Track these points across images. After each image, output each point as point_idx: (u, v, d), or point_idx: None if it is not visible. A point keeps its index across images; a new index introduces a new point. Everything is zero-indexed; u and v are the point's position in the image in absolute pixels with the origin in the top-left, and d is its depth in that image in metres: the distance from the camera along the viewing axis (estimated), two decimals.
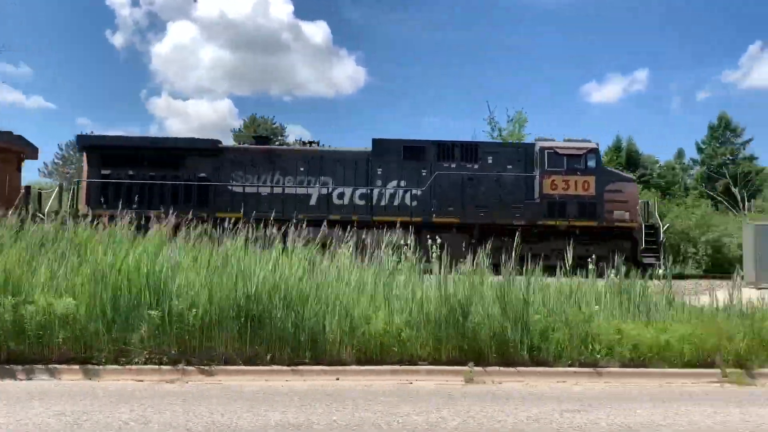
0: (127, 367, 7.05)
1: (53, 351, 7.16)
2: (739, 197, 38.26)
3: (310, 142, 20.05)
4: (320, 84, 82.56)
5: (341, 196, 18.58)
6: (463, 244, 17.98)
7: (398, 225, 11.93)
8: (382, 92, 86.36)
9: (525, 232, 18.29)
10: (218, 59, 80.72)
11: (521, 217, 18.39)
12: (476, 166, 18.80)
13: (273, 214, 17.17)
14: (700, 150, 47.17)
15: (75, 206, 17.44)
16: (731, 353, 7.84)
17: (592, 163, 18.71)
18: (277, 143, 30.93)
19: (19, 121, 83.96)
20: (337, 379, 7.13)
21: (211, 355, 7.28)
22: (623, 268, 9.53)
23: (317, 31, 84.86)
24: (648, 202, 20.31)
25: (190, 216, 10.26)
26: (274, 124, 51.66)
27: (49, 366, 7.03)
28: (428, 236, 9.87)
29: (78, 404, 5.75)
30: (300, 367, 7.29)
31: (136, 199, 17.39)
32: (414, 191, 18.52)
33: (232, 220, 10.29)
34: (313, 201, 18.50)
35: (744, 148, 45.79)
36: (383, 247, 9.45)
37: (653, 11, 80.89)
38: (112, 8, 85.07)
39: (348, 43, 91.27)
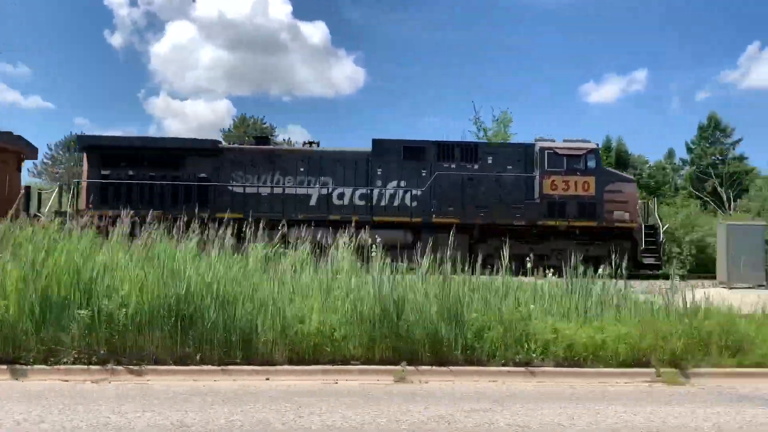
0: (56, 367, 7.04)
1: None
2: (725, 197, 38.34)
3: (311, 143, 19.99)
4: (319, 84, 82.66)
5: (341, 196, 18.58)
6: (464, 245, 18.13)
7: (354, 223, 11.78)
8: (381, 92, 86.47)
9: (525, 233, 18.41)
10: (217, 59, 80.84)
11: (521, 218, 18.40)
12: (476, 167, 18.81)
13: (272, 214, 17.44)
14: (689, 150, 47.17)
15: (75, 206, 17.43)
16: (667, 353, 7.83)
17: (592, 164, 18.72)
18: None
19: (17, 121, 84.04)
20: (267, 379, 7.13)
21: (142, 354, 7.27)
22: (590, 268, 9.57)
23: (316, 32, 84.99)
24: (648, 203, 20.31)
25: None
26: (265, 124, 51.60)
27: None
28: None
29: None
30: (230, 367, 7.30)
31: (136, 199, 17.50)
32: (414, 191, 18.53)
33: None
34: (313, 201, 18.50)
35: (734, 148, 45.77)
36: (339, 246, 9.36)
37: (653, 11, 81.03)
38: (110, 8, 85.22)
39: (347, 43, 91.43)
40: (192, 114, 79.50)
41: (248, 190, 18.36)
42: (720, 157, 44.79)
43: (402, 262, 9.46)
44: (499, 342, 7.75)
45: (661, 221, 19.50)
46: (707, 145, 45.62)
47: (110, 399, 6.12)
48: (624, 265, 9.73)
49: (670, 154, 49.47)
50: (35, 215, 15.45)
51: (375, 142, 18.99)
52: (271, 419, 5.50)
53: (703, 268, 21.68)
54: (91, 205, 16.79)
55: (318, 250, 9.72)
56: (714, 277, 16.23)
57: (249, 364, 7.40)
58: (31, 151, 20.81)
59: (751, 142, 71.43)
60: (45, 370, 7.03)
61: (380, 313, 7.75)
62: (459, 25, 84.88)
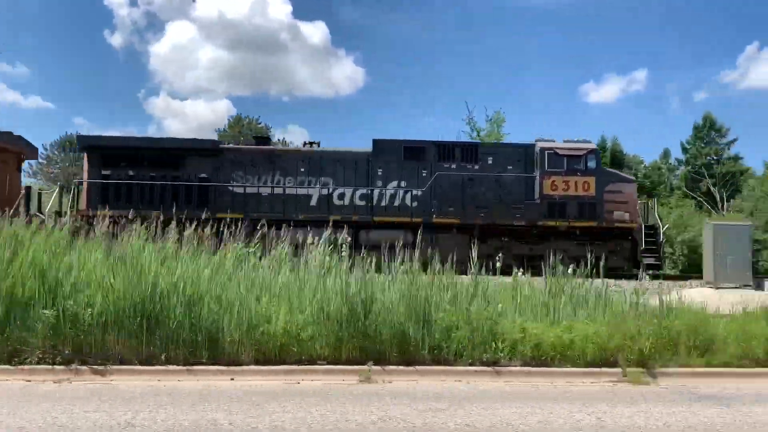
0: (20, 367, 7.05)
1: None
2: (718, 197, 38.38)
3: (311, 143, 19.99)
4: (319, 84, 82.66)
5: (342, 196, 18.59)
6: (464, 245, 18.15)
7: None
8: (381, 92, 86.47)
9: (525, 233, 18.43)
10: (217, 59, 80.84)
11: (521, 218, 18.42)
12: (476, 167, 18.82)
13: (273, 214, 17.46)
14: (684, 150, 47.19)
15: (76, 207, 17.44)
16: (634, 353, 7.84)
17: (592, 164, 18.73)
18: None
19: (16, 121, 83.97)
20: (232, 379, 7.13)
21: (107, 355, 7.28)
22: (560, 267, 9.59)
23: (315, 32, 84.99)
24: (648, 203, 20.33)
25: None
26: (260, 124, 51.57)
27: None
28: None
29: None
30: (196, 367, 7.30)
31: (136, 199, 17.50)
32: (414, 192, 18.54)
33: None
34: (313, 201, 18.51)
35: (729, 148, 45.82)
36: (316, 246, 9.32)
37: (653, 11, 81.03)
38: (110, 8, 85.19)
39: (346, 43, 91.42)
40: (192, 114, 79.57)
41: (248, 190, 18.37)
42: (715, 157, 44.86)
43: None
44: (466, 342, 7.74)
45: (660, 221, 19.53)
46: (702, 145, 45.65)
47: (66, 399, 6.11)
48: (603, 264, 9.76)
49: (666, 154, 49.56)
50: (30, 215, 15.46)
51: (375, 142, 19.00)
52: (221, 419, 5.50)
53: (695, 268, 21.75)
54: (91, 206, 16.84)
55: (301, 250, 9.68)
56: (698, 278, 16.31)
57: (215, 364, 7.39)
58: (32, 151, 20.82)
59: (750, 142, 71.55)
60: (8, 370, 7.03)
61: (347, 312, 7.73)
62: (459, 25, 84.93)
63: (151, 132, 71.62)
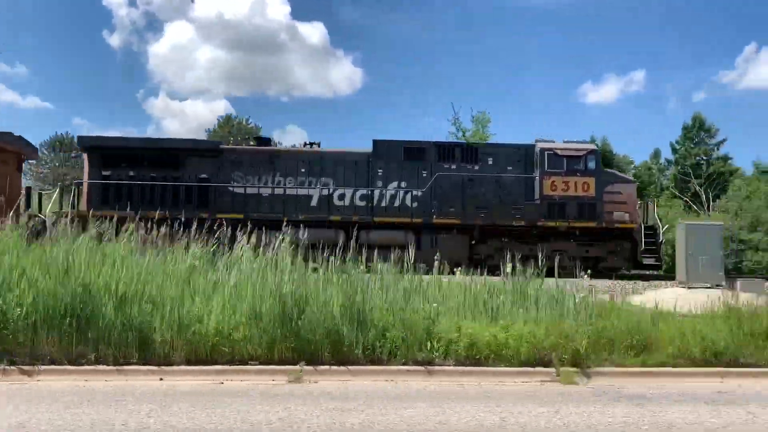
0: None
1: None
2: (703, 197, 38.46)
3: (311, 143, 20.01)
4: (317, 85, 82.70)
5: (342, 197, 18.61)
6: (464, 245, 18.19)
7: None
8: (380, 92, 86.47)
9: (525, 233, 18.46)
10: (215, 60, 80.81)
11: (521, 218, 18.45)
12: (476, 167, 18.85)
13: (273, 214, 17.47)
14: (674, 150, 47.25)
15: (77, 207, 17.44)
16: (568, 352, 7.80)
17: (591, 165, 18.77)
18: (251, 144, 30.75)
19: (14, 121, 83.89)
20: (161, 379, 7.10)
21: (37, 354, 7.24)
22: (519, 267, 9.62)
23: (314, 32, 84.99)
24: (648, 203, 20.39)
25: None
26: (250, 124, 51.53)
27: None
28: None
29: None
30: (126, 367, 7.25)
31: (137, 200, 17.51)
32: (415, 192, 18.56)
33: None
34: (314, 202, 18.53)
35: (718, 149, 45.89)
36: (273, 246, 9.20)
37: (653, 11, 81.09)
38: (109, 8, 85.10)
39: (345, 44, 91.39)
40: (191, 114, 79.53)
41: (249, 190, 18.39)
42: (704, 158, 44.95)
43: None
44: (400, 341, 7.71)
45: (660, 222, 19.57)
46: (692, 145, 45.71)
47: None
48: (554, 264, 9.80)
49: (656, 154, 49.58)
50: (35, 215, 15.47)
51: (375, 143, 19.02)
52: (118, 419, 5.49)
53: None
54: (92, 206, 16.83)
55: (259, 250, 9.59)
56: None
57: (147, 364, 7.36)
58: (31, 152, 20.83)
59: (750, 142, 71.67)
60: None
61: (280, 312, 7.69)
62: (459, 25, 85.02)
63: (150, 132, 71.66)
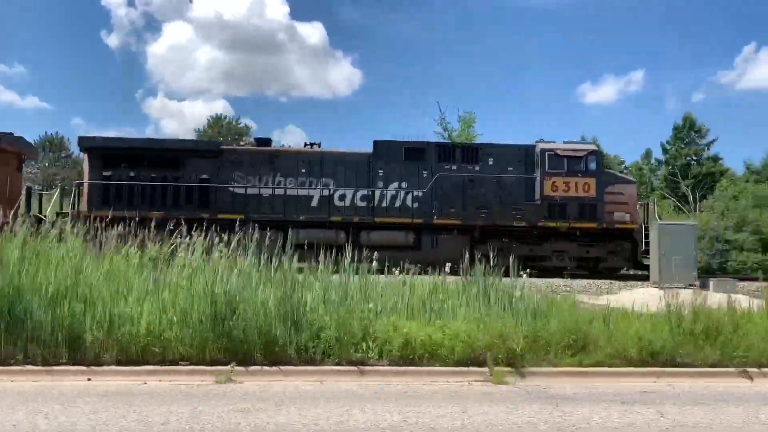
0: None
1: None
2: (690, 197, 38.46)
3: (312, 144, 19.99)
4: (317, 85, 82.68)
5: (342, 197, 18.59)
6: (464, 246, 18.16)
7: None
8: (380, 93, 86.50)
9: (526, 234, 18.46)
10: (214, 60, 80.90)
11: (522, 219, 18.44)
12: (477, 168, 18.84)
13: (273, 215, 17.47)
14: (665, 150, 47.26)
15: (77, 208, 17.44)
16: (503, 352, 7.74)
17: (592, 165, 18.77)
18: (241, 144, 30.63)
19: (13, 121, 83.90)
20: (89, 379, 7.05)
21: None
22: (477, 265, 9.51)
23: (313, 32, 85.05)
24: (648, 204, 20.39)
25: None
26: (239, 124, 51.44)
27: None
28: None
29: None
30: (55, 368, 7.20)
31: (137, 200, 17.51)
32: (415, 193, 18.54)
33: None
34: (314, 202, 18.51)
35: (708, 149, 45.93)
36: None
37: (652, 12, 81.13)
38: (107, 8, 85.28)
39: (345, 44, 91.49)
40: (190, 114, 79.60)
41: (249, 191, 18.36)
42: (695, 158, 44.95)
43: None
44: (334, 341, 7.66)
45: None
46: (682, 145, 45.74)
47: None
48: (512, 264, 9.67)
49: (648, 154, 49.60)
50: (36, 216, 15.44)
51: (376, 143, 19.01)
52: (19, 420, 5.46)
53: None
54: (92, 207, 16.84)
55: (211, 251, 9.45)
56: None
57: (76, 364, 7.30)
58: (31, 152, 20.81)
59: (749, 142, 71.70)
60: None
61: (211, 312, 7.63)
62: (459, 25, 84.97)
63: (149, 133, 71.74)
